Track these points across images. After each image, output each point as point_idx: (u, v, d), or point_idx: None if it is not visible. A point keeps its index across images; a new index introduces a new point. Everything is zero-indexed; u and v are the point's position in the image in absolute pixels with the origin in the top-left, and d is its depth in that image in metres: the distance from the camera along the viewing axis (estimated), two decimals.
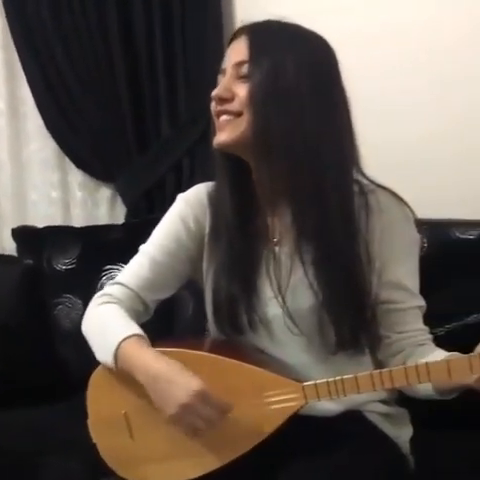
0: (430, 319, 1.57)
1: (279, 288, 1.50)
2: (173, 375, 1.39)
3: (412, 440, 1.58)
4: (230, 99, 1.48)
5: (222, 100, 1.48)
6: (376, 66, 2.23)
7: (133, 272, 1.59)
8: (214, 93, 1.50)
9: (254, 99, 1.45)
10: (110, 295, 1.57)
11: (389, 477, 1.47)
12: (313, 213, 1.47)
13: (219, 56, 2.40)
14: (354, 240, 1.48)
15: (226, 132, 1.48)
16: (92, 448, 1.55)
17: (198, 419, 1.37)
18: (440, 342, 1.53)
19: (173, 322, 2.23)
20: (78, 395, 1.60)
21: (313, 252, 1.48)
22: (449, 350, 1.44)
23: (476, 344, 1.32)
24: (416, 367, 1.31)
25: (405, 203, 1.56)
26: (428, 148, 2.25)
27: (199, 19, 2.49)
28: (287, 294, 1.50)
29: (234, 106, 1.47)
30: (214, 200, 1.58)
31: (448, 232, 1.96)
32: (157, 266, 1.58)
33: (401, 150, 2.20)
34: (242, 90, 1.46)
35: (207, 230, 1.59)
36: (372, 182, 1.55)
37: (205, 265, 1.59)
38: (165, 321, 2.17)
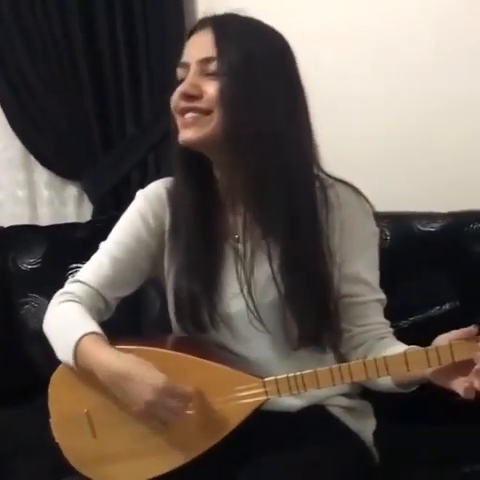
0: (393, 312, 1.58)
1: (242, 284, 1.50)
2: (135, 372, 1.39)
3: (375, 433, 1.59)
4: (198, 96, 1.45)
5: (189, 97, 1.46)
6: (327, 65, 2.23)
7: (93, 270, 1.58)
8: (181, 89, 1.46)
9: (225, 98, 1.43)
10: (70, 293, 1.56)
11: (353, 470, 1.48)
12: (277, 209, 1.47)
13: (181, 54, 2.45)
14: (317, 235, 1.49)
15: (193, 129, 1.46)
16: (55, 448, 1.54)
17: (166, 412, 1.37)
18: (404, 335, 1.53)
19: (140, 320, 2.23)
20: (45, 395, 1.60)
21: (276, 248, 1.49)
22: (413, 342, 1.45)
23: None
24: (375, 361, 1.32)
25: (364, 197, 1.57)
26: (389, 142, 2.27)
27: (161, 18, 2.48)
28: (251, 290, 1.50)
29: (202, 104, 1.44)
30: (173, 196, 1.57)
31: (410, 224, 1.97)
32: (117, 264, 1.57)
33: (362, 144, 2.21)
34: (211, 88, 1.44)
35: (167, 227, 1.58)
36: (330, 176, 1.56)
37: (166, 263, 1.59)
38: (132, 319, 2.18)
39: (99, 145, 2.57)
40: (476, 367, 1.25)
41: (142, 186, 2.42)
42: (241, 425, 1.40)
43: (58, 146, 2.62)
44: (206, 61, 1.46)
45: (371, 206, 1.57)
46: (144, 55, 2.49)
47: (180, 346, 1.50)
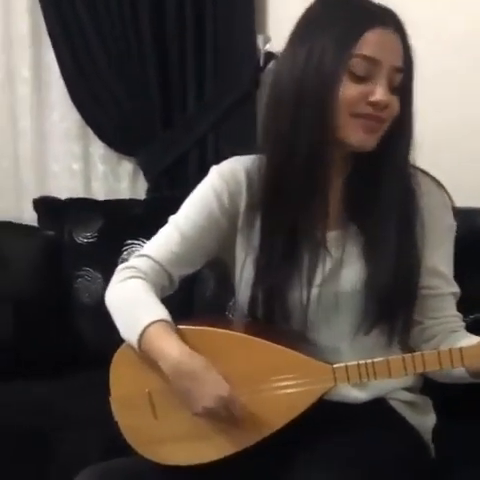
0: (460, 306, 1.56)
1: (326, 272, 1.48)
2: (201, 375, 1.38)
3: (434, 429, 1.58)
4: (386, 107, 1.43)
5: (383, 107, 1.41)
6: None
7: (161, 245, 1.54)
8: (384, 100, 1.40)
9: (400, 115, 1.43)
10: (136, 268, 1.53)
11: (411, 464, 1.47)
12: (372, 193, 1.46)
13: (248, 32, 2.44)
14: (410, 221, 1.48)
15: (373, 137, 1.43)
16: (110, 424, 1.53)
17: (220, 421, 1.38)
18: (468, 330, 1.52)
19: (193, 300, 2.23)
20: (94, 369, 1.60)
21: (365, 234, 1.48)
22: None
23: None
24: (450, 351, 1.31)
25: (444, 189, 1.55)
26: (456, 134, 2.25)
27: None
28: (334, 276, 1.48)
29: (385, 115, 1.42)
30: (266, 175, 1.50)
31: (476, 220, 1.96)
32: (186, 241, 1.53)
33: (437, 136, 2.19)
34: (395, 103, 1.42)
35: (242, 208, 1.53)
36: (412, 166, 1.53)
37: (239, 245, 1.55)
38: (185, 299, 2.17)
39: (159, 122, 2.57)
40: None
41: (200, 168, 2.48)
42: (307, 410, 1.39)
43: (117, 120, 2.63)
44: (396, 70, 1.42)
45: (450, 199, 1.55)
46: (211, 33, 2.48)
47: (249, 329, 1.48)
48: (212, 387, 1.36)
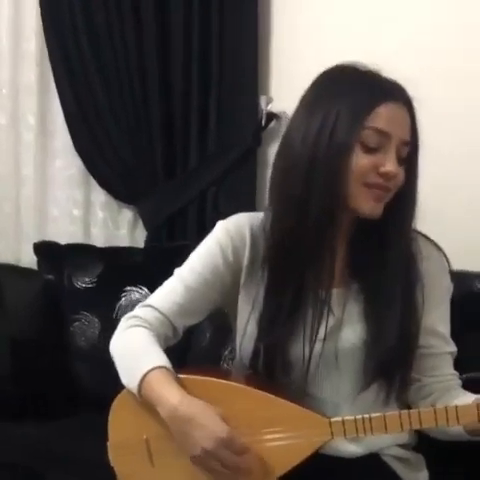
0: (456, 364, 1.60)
1: (327, 329, 1.51)
2: (200, 418, 1.39)
3: None
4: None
5: (391, 178, 1.47)
6: None
7: (166, 296, 1.59)
8: (393, 171, 1.45)
9: (406, 194, 1.49)
10: (141, 318, 1.56)
11: None
12: (376, 255, 1.51)
13: (252, 90, 2.50)
14: (412, 284, 1.52)
15: (381, 205, 1.48)
16: (108, 470, 1.54)
17: (218, 465, 1.38)
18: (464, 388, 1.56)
19: (189, 348, 2.25)
20: (88, 413, 1.61)
21: (366, 293, 1.52)
22: None
23: None
24: (446, 409, 1.33)
25: (443, 253, 1.60)
26: (455, 197, 2.30)
27: (235, 54, 2.53)
28: (336, 332, 1.51)
29: (391, 185, 1.48)
30: (264, 237, 1.55)
31: (471, 284, 2.00)
32: (191, 293, 1.57)
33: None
34: (401, 173, 1.48)
35: (245, 263, 1.57)
36: (414, 230, 1.58)
37: (241, 302, 1.59)
38: (181, 347, 2.18)
39: (161, 173, 2.61)
40: None
41: (199, 220, 2.52)
42: (303, 462, 1.41)
43: (119, 169, 2.67)
44: (404, 143, 1.48)
45: (448, 262, 1.60)
46: (215, 87, 2.54)
47: (249, 382, 1.50)
48: (210, 429, 1.37)
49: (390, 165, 1.45)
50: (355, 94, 1.46)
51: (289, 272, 1.51)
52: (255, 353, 1.53)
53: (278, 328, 1.50)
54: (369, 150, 1.45)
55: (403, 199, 1.50)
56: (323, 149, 1.44)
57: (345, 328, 1.52)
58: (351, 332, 1.52)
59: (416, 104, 1.50)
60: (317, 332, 1.51)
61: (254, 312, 1.54)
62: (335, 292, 1.53)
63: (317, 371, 1.52)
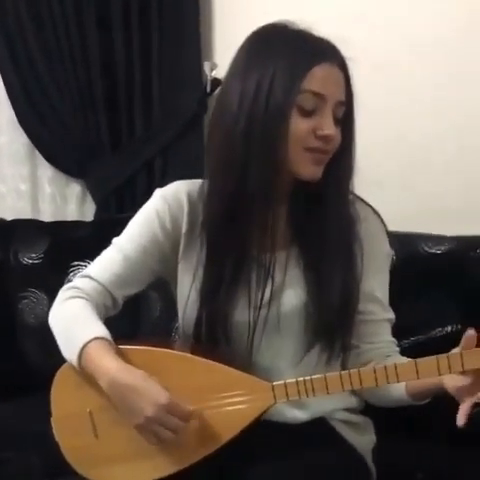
0: (395, 331, 1.59)
1: (266, 294, 1.50)
2: (139, 386, 1.38)
3: (375, 450, 1.60)
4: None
5: (330, 140, 1.45)
6: None
7: (104, 266, 1.57)
8: (332, 133, 1.43)
9: (341, 147, 1.47)
10: (79, 289, 1.54)
11: None
12: (315, 217, 1.49)
13: (194, 58, 2.47)
14: (351, 246, 1.51)
15: (321, 168, 1.46)
16: (54, 446, 1.53)
17: (163, 430, 1.37)
18: (405, 354, 1.54)
19: (139, 322, 2.23)
20: (40, 391, 1.59)
21: (305, 255, 1.51)
22: None
23: None
24: (385, 367, 1.33)
25: (380, 216, 1.59)
26: (400, 161, 2.29)
27: (176, 19, 2.50)
28: (278, 297, 1.50)
29: (331, 147, 1.46)
30: (201, 202, 1.54)
31: (416, 245, 1.99)
32: (130, 262, 1.55)
33: (373, 160, 2.21)
34: (338, 134, 1.46)
35: (183, 230, 1.56)
36: (353, 194, 1.56)
37: (181, 269, 1.57)
38: (132, 321, 2.18)
39: (107, 144, 2.59)
40: None
41: (148, 190, 2.47)
42: (247, 428, 1.40)
43: (64, 142, 2.64)
44: (340, 104, 1.46)
45: (385, 226, 1.59)
46: (157, 57, 2.51)
47: (193, 351, 1.49)
48: (150, 396, 1.36)
49: (328, 128, 1.43)
50: (289, 56, 1.43)
51: (229, 238, 1.49)
52: (198, 322, 1.52)
53: (220, 295, 1.49)
54: (306, 113, 1.43)
55: (340, 160, 1.48)
56: (260, 114, 1.42)
57: (287, 291, 1.51)
58: (293, 295, 1.51)
59: (349, 62, 1.48)
60: (262, 298, 1.50)
61: (195, 280, 1.53)
62: (277, 256, 1.51)
63: (260, 338, 1.51)
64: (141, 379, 1.39)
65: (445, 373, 1.30)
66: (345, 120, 1.48)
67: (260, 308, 1.50)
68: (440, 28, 2.23)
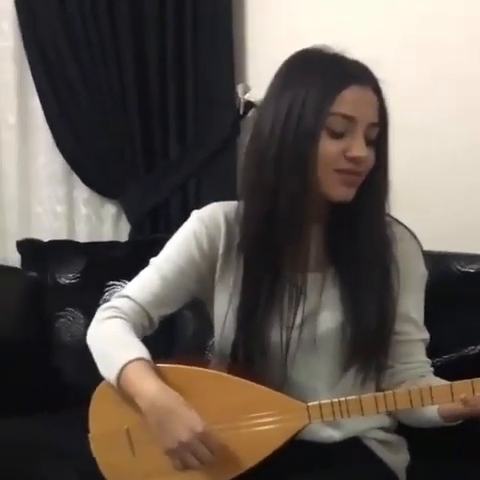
0: (428, 350, 1.61)
1: (304, 315, 1.52)
2: (176, 410, 1.40)
3: (408, 468, 1.60)
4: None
5: (362, 162, 1.47)
6: None
7: (142, 286, 1.59)
8: (364, 155, 1.45)
9: (374, 168, 1.49)
10: (117, 308, 1.57)
11: None
12: (351, 239, 1.51)
13: (228, 79, 2.50)
14: (387, 267, 1.52)
15: (353, 190, 1.48)
16: (92, 462, 1.54)
17: (193, 458, 1.38)
18: (437, 373, 1.57)
19: (173, 341, 2.25)
20: (75, 408, 1.61)
21: (343, 277, 1.52)
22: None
23: (472, 377, 1.35)
24: (420, 390, 1.34)
25: (416, 237, 1.61)
26: (431, 177, 2.30)
27: (211, 40, 2.52)
28: (313, 317, 1.52)
29: (363, 169, 1.48)
30: (238, 223, 1.56)
31: (449, 265, 1.99)
32: (167, 283, 1.57)
33: (404, 178, 2.23)
34: (371, 156, 1.48)
35: (221, 251, 1.58)
36: (388, 215, 1.58)
37: (218, 290, 1.59)
38: (166, 340, 2.19)
39: (141, 165, 2.61)
40: None
41: (182, 211, 2.52)
42: (281, 448, 1.41)
43: (100, 164, 2.67)
44: (372, 125, 1.48)
45: (421, 246, 1.61)
46: (192, 77, 2.53)
47: (229, 370, 1.51)
48: (187, 422, 1.38)
49: (358, 150, 1.45)
50: (320, 80, 1.46)
51: (264, 259, 1.51)
52: (235, 343, 1.54)
53: (257, 316, 1.51)
54: (336, 135, 1.45)
55: (374, 181, 1.50)
56: (291, 137, 1.45)
57: (323, 313, 1.53)
58: (328, 316, 1.52)
59: (384, 84, 1.49)
60: (294, 318, 1.51)
61: (232, 301, 1.55)
62: (311, 277, 1.53)
63: (296, 357, 1.52)
64: (178, 403, 1.41)
65: None
66: (379, 141, 1.49)
67: (292, 328, 1.51)
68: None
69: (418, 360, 1.57)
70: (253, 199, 1.52)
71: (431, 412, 1.43)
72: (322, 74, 1.47)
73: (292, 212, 1.47)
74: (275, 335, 1.52)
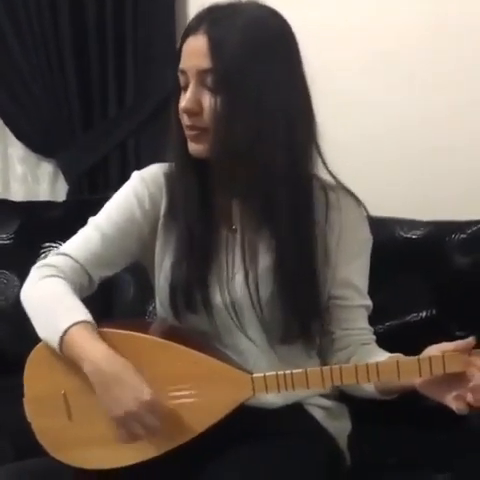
0: (370, 316, 1.59)
1: (242, 271, 1.49)
2: (123, 378, 1.36)
3: (350, 436, 1.60)
4: (198, 113, 1.42)
5: (191, 113, 1.43)
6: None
7: (81, 244, 1.53)
8: (183, 106, 1.43)
9: (222, 117, 1.40)
10: (55, 267, 1.50)
11: (326, 471, 1.48)
12: (276, 205, 1.46)
13: (169, 37, 2.44)
14: (313, 233, 1.49)
15: (199, 145, 1.44)
16: (26, 427, 1.50)
17: (140, 427, 1.35)
18: (379, 339, 1.56)
19: (112, 304, 2.21)
20: (10, 373, 1.57)
21: (272, 241, 1.49)
22: (387, 348, 1.48)
23: (414, 343, 1.34)
24: (367, 366, 1.32)
25: (362, 203, 1.58)
26: (376, 147, 2.29)
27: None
28: (254, 278, 1.49)
29: (202, 122, 1.42)
30: (171, 182, 1.55)
31: (392, 230, 1.99)
32: (107, 242, 1.53)
33: (351, 147, 2.22)
34: (207, 102, 1.41)
35: (162, 212, 1.55)
36: (335, 179, 1.55)
37: (158, 247, 1.56)
38: (105, 304, 2.16)
39: (79, 124, 2.55)
40: (471, 384, 1.25)
41: (121, 171, 2.48)
42: (224, 419, 1.39)
43: (36, 121, 2.60)
44: (203, 72, 1.41)
45: (367, 212, 1.59)
46: (131, 35, 2.47)
47: (167, 334, 1.47)
48: (134, 390, 1.34)
49: (183, 100, 1.44)
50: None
51: (191, 212, 1.50)
52: (172, 289, 1.51)
53: (190, 265, 1.49)
54: (183, 89, 1.46)
55: (227, 131, 1.41)
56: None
57: (257, 276, 1.50)
58: (263, 280, 1.49)
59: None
60: (233, 276, 1.50)
61: (168, 254, 1.53)
62: (245, 237, 1.50)
63: (235, 318, 1.51)
64: (127, 370, 1.37)
65: (426, 375, 1.29)
66: (217, 86, 1.41)
67: (231, 287, 1.50)
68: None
69: (360, 327, 1.55)
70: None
71: (368, 386, 1.43)
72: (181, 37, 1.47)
73: (181, 171, 1.51)
74: (214, 293, 1.50)
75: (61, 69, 2.52)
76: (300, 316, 1.48)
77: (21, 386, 1.50)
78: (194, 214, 1.50)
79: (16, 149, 2.68)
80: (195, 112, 1.43)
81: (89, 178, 2.57)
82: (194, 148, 1.46)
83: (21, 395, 1.50)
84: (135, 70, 2.49)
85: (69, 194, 2.60)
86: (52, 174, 2.67)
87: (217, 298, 1.50)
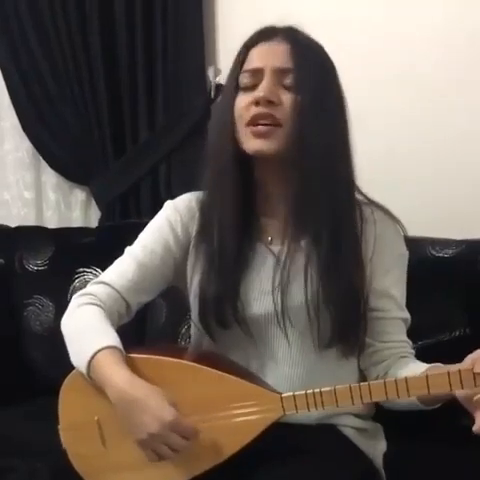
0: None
1: (275, 285, 1.50)
2: (146, 401, 1.36)
3: (385, 455, 1.59)
4: (276, 103, 1.46)
5: (268, 102, 1.45)
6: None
7: (119, 272, 1.57)
8: (262, 95, 1.45)
9: (300, 115, 1.45)
10: (93, 295, 1.54)
11: None
12: (320, 217, 1.48)
13: (199, 63, 2.46)
14: (354, 245, 1.51)
15: (268, 141, 1.46)
16: (60, 454, 1.52)
17: (165, 447, 1.36)
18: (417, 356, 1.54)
19: (145, 328, 2.22)
20: (44, 398, 1.58)
21: (313, 253, 1.49)
22: None
23: (447, 362, 1.34)
24: (395, 381, 1.31)
25: (397, 220, 1.59)
26: (406, 165, 2.28)
27: (180, 24, 2.48)
28: (283, 291, 1.50)
29: (278, 113, 1.45)
30: (205, 202, 1.57)
31: (424, 249, 1.98)
32: (143, 269, 1.56)
33: (380, 166, 2.22)
34: (287, 100, 1.46)
35: (193, 234, 1.58)
36: (366, 198, 1.57)
37: (189, 269, 1.58)
38: (137, 327, 2.16)
39: (110, 150, 2.57)
40: None
41: (152, 196, 2.50)
42: (255, 440, 1.39)
43: (68, 149, 2.63)
44: (282, 72, 1.47)
45: (403, 229, 1.60)
46: (161, 61, 2.49)
47: (196, 358, 1.48)
48: (155, 412, 1.35)
49: (258, 91, 1.46)
50: (240, 49, 1.53)
51: (224, 228, 1.52)
52: (201, 304, 1.53)
53: (220, 280, 1.51)
54: (245, 89, 1.49)
55: (302, 130, 1.46)
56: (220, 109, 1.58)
57: (291, 287, 1.50)
58: (297, 292, 1.50)
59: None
60: (264, 288, 1.51)
61: (197, 271, 1.55)
62: (282, 250, 1.52)
63: (267, 332, 1.52)
64: (148, 393, 1.38)
65: (457, 388, 1.28)
66: (299, 86, 1.47)
67: (267, 295, 1.51)
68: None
69: (398, 340, 1.55)
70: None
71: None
72: (243, 45, 1.53)
73: (230, 177, 1.50)
74: (246, 304, 1.51)
75: (92, 97, 2.55)
76: (339, 324, 1.48)
77: (54, 409, 1.52)
78: (227, 227, 1.51)
79: (49, 177, 2.72)
80: (273, 101, 1.45)
81: (121, 204, 2.59)
82: (260, 145, 1.46)
83: (55, 421, 1.52)
84: (165, 96, 2.50)
85: (101, 220, 2.62)
86: (85, 201, 2.71)
87: (247, 311, 1.51)
